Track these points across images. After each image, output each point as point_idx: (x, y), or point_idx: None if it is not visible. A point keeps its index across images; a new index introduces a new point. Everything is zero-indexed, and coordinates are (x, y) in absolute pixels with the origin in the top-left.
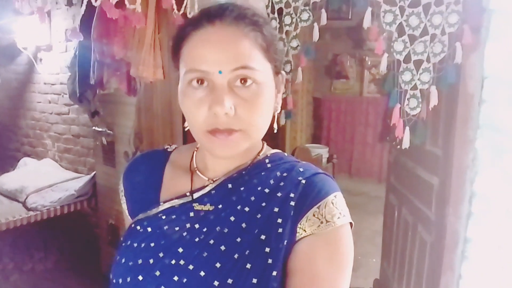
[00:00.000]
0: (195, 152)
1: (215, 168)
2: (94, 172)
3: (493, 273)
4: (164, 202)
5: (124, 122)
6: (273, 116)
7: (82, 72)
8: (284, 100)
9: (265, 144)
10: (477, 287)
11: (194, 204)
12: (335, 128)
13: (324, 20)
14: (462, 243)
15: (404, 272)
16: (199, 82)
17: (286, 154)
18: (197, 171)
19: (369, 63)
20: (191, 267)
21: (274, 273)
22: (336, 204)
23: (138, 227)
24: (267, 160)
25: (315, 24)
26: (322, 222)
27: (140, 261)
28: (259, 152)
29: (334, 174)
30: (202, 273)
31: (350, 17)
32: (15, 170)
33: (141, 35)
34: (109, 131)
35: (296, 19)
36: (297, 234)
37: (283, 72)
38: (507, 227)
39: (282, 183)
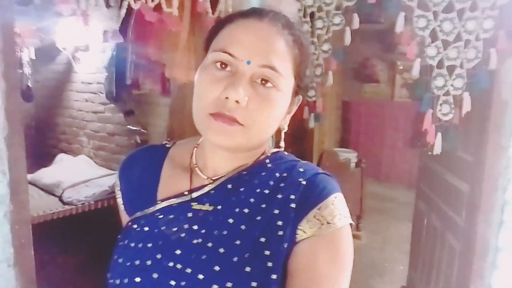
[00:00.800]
0: (195, 149)
1: (215, 167)
2: None
3: None
4: (162, 200)
5: (157, 122)
6: (280, 132)
7: (118, 72)
8: (314, 104)
9: (268, 146)
10: None
11: (193, 204)
12: (364, 132)
13: (356, 24)
14: (493, 252)
15: (432, 280)
16: (223, 66)
17: (286, 153)
18: (197, 169)
19: (401, 67)
20: (189, 270)
21: (274, 276)
22: (336, 205)
23: (135, 226)
24: (267, 160)
25: (347, 28)
26: (322, 224)
27: (137, 262)
28: (262, 154)
29: (362, 179)
30: (201, 277)
31: (381, 21)
32: (52, 165)
33: (176, 38)
34: (143, 130)
35: (328, 23)
36: (297, 236)
37: (300, 96)
38: None
39: (282, 184)
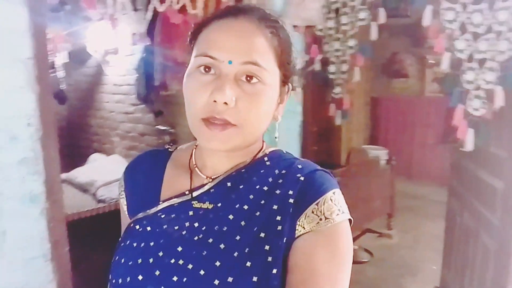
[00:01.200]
0: (194, 149)
1: (214, 166)
2: None
3: None
4: (164, 201)
5: (185, 122)
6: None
7: (147, 74)
8: (340, 100)
9: (265, 143)
10: None
11: (193, 202)
12: (394, 129)
13: (382, 19)
14: None
15: (465, 281)
16: (207, 70)
17: (284, 151)
18: (196, 169)
19: (431, 61)
20: (190, 266)
21: (274, 271)
22: (335, 201)
23: (137, 227)
24: (266, 158)
25: (373, 23)
26: (321, 219)
27: (140, 261)
28: (259, 151)
29: (392, 177)
30: (202, 272)
31: (409, 15)
32: (86, 165)
33: None
34: (171, 130)
35: (354, 18)
36: (296, 231)
37: (290, 84)
38: None
39: (280, 181)
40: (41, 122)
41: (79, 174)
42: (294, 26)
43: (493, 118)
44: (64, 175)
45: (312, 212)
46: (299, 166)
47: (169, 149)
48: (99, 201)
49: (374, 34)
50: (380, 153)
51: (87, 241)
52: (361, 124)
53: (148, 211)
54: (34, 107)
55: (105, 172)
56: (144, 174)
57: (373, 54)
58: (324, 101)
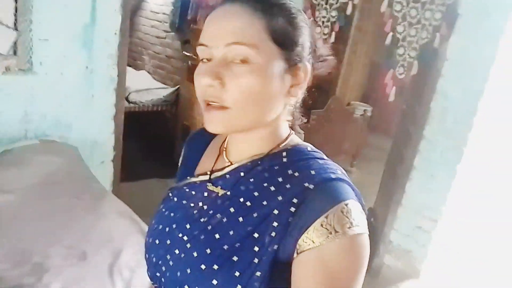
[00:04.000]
0: None
1: (237, 152)
2: (178, 86)
3: None
4: (191, 176)
5: None
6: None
7: (182, 8)
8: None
9: (292, 135)
10: None
11: (208, 184)
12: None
13: (356, 1)
14: None
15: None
16: (206, 60)
17: (310, 148)
18: (224, 153)
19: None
20: (189, 245)
21: (258, 273)
22: (346, 213)
23: (170, 195)
24: (284, 153)
25: (350, 2)
26: (330, 233)
27: (160, 227)
28: (282, 142)
29: (365, 128)
30: (195, 254)
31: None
32: None
33: None
34: (195, 57)
35: None
36: (304, 244)
37: (306, 63)
38: None
39: (288, 186)
40: (120, 32)
41: None
42: None
43: (410, 80)
44: None
45: (321, 225)
46: (312, 172)
47: None
48: (130, 102)
49: (349, 10)
50: (364, 109)
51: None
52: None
53: (180, 182)
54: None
55: (135, 82)
56: (193, 148)
57: (347, 24)
58: None
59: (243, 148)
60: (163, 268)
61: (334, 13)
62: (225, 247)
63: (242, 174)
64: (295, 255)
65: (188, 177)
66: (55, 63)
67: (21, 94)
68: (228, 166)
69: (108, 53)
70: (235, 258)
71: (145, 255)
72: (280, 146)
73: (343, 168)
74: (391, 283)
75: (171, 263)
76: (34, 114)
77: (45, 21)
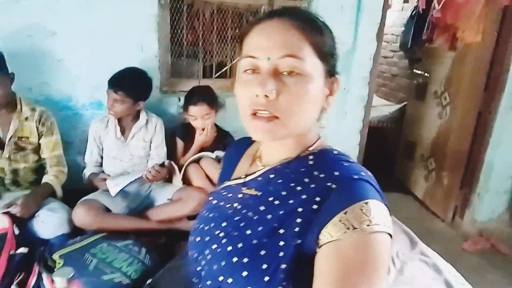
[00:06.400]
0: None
1: (268, 157)
2: (405, 103)
3: None
4: (228, 181)
5: (439, 69)
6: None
7: (416, 28)
8: None
9: (320, 139)
10: None
11: (243, 188)
12: None
13: None
14: None
15: None
16: (251, 71)
17: (337, 151)
18: (257, 158)
19: None
20: (224, 240)
21: (283, 266)
22: (366, 211)
23: (211, 198)
24: (311, 157)
25: None
26: (348, 228)
27: (201, 226)
28: (309, 147)
29: None
30: (229, 248)
31: None
32: None
33: (473, 8)
34: (426, 74)
35: None
36: (323, 238)
37: (337, 76)
38: None
39: (313, 185)
40: (374, 58)
41: None
42: None
43: None
44: None
45: (340, 220)
46: (336, 173)
47: (253, 139)
48: None
49: None
50: None
51: None
52: None
53: (218, 187)
54: (374, 49)
55: None
56: (231, 156)
57: None
58: None
59: (274, 153)
60: (203, 263)
61: None
62: (254, 241)
63: (271, 176)
64: (316, 249)
65: (226, 182)
66: None
67: None
68: (260, 170)
69: (362, 76)
70: (262, 252)
71: (189, 252)
72: (308, 150)
73: None
74: None
75: (209, 257)
76: None
77: None
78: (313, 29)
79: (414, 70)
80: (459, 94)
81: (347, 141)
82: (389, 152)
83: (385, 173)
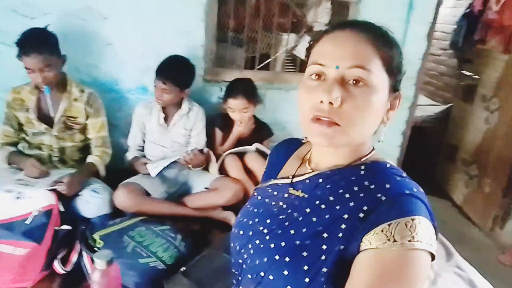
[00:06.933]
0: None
1: (318, 161)
2: (451, 104)
3: None
4: (275, 179)
5: (490, 71)
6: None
7: (468, 28)
8: None
9: (374, 151)
10: None
11: (290, 188)
12: None
13: None
14: None
15: None
16: (317, 77)
17: (390, 165)
18: (307, 161)
19: None
20: (267, 237)
21: (324, 269)
22: (410, 227)
23: (255, 193)
24: (362, 167)
25: None
26: (389, 240)
27: (245, 220)
28: (363, 157)
29: None
30: (272, 245)
31: None
32: None
33: None
34: (475, 76)
35: None
36: (363, 245)
37: (401, 91)
38: None
39: (362, 194)
40: (422, 57)
41: None
42: None
43: None
44: None
45: (382, 231)
46: (387, 186)
47: (302, 141)
48: None
49: None
50: None
51: None
52: None
53: (264, 183)
54: (424, 49)
55: None
56: (278, 155)
57: None
58: None
59: (326, 158)
60: (245, 256)
61: None
62: (297, 242)
63: (320, 180)
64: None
65: (272, 179)
66: None
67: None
68: (309, 173)
69: (408, 75)
70: (304, 254)
71: (231, 244)
72: (361, 160)
73: None
74: None
75: (251, 251)
76: None
77: None
78: (384, 43)
79: (463, 71)
80: (509, 100)
81: (389, 141)
82: (431, 154)
83: (425, 175)
